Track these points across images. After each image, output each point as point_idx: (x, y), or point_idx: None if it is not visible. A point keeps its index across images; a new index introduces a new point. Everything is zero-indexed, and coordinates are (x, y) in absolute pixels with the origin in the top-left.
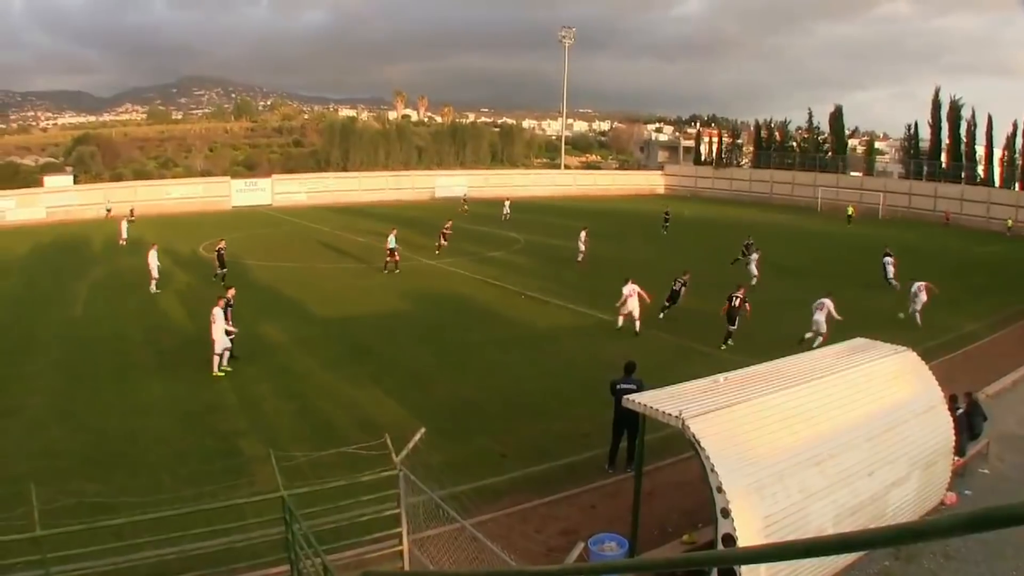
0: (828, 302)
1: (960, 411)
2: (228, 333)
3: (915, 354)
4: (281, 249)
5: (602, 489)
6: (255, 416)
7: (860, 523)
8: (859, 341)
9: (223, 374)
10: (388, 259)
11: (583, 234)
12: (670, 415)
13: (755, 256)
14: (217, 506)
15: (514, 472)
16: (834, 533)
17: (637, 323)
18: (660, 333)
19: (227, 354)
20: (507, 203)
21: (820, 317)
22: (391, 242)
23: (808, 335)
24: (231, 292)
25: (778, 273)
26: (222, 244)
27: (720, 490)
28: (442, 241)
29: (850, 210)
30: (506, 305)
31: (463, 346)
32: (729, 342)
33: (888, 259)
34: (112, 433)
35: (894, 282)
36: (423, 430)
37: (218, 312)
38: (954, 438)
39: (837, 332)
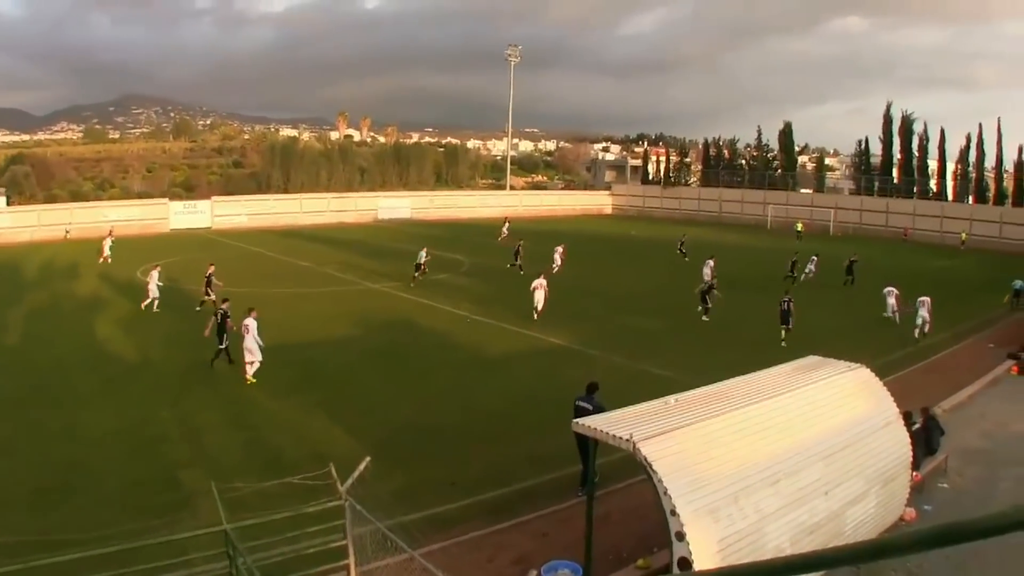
0: (928, 300)
1: (916, 426)
2: (224, 341)
3: (868, 371)
4: (222, 274)
5: (556, 515)
6: (200, 446)
7: (818, 542)
8: (811, 359)
9: (255, 380)
10: (417, 273)
11: (561, 248)
12: (621, 438)
13: (710, 263)
14: (158, 541)
15: (465, 499)
16: (793, 554)
17: (536, 313)
18: (611, 356)
19: (257, 364)
20: (507, 224)
21: (924, 311)
22: (421, 257)
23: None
24: (226, 304)
25: (730, 291)
26: (211, 269)
27: (674, 513)
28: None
29: (799, 226)
30: (454, 329)
31: (413, 372)
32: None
33: (889, 289)
34: (53, 465)
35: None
36: (368, 459)
37: (251, 322)
38: (911, 454)
39: (791, 350)
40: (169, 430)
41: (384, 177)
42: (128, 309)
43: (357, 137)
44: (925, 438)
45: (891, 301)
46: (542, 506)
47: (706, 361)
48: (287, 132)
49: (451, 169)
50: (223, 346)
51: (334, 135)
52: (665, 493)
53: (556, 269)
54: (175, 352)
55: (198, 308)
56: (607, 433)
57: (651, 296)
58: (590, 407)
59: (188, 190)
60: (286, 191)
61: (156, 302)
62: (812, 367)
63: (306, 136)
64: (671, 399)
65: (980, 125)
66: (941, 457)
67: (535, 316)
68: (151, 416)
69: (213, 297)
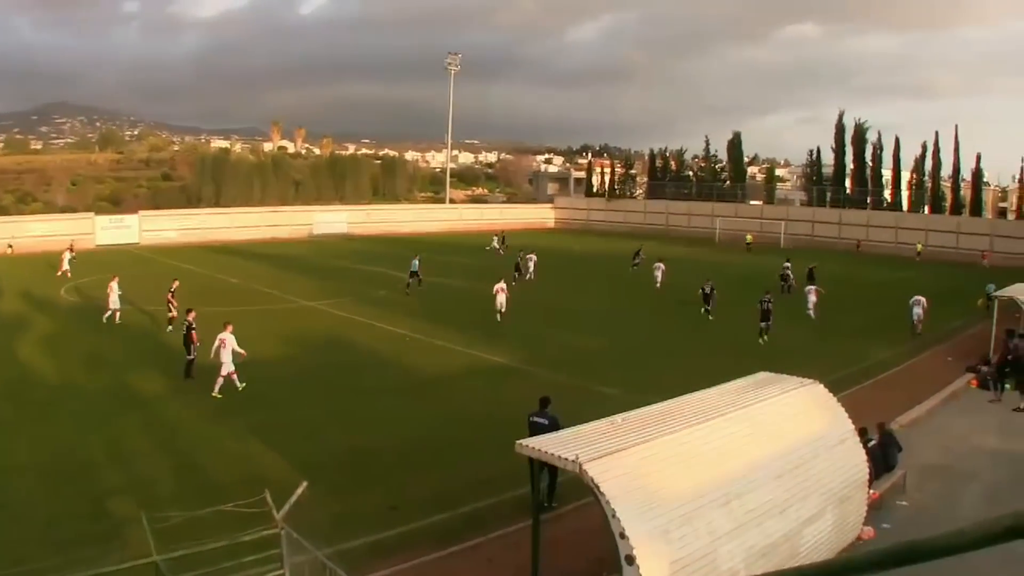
0: (922, 299)
1: (872, 443)
2: (191, 350)
3: (822, 386)
4: (152, 292)
5: (502, 539)
6: (129, 473)
7: (773, 564)
8: (762, 375)
9: (220, 396)
10: (411, 280)
11: (534, 256)
12: (566, 459)
13: (660, 266)
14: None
15: (407, 525)
16: None
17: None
18: (554, 374)
19: (235, 377)
20: (495, 237)
21: (918, 309)
22: (414, 265)
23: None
24: (192, 316)
25: (677, 307)
26: (175, 284)
27: (623, 536)
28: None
29: (748, 238)
30: (395, 348)
31: (352, 392)
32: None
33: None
34: None
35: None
36: (304, 484)
37: (228, 337)
38: (868, 471)
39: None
40: (96, 456)
41: (319, 191)
42: (51, 329)
43: (291, 149)
44: (882, 454)
45: (917, 311)
46: (487, 530)
47: (653, 379)
48: (219, 143)
49: (389, 182)
50: (191, 356)
51: (267, 147)
52: (613, 516)
53: (530, 277)
54: (102, 373)
55: (169, 328)
56: (551, 454)
57: (595, 313)
58: (545, 422)
59: (115, 204)
60: (217, 205)
61: (118, 313)
62: (763, 383)
63: (238, 148)
64: (618, 419)
65: (936, 133)
66: (899, 474)
67: (498, 318)
68: (77, 442)
69: (175, 315)
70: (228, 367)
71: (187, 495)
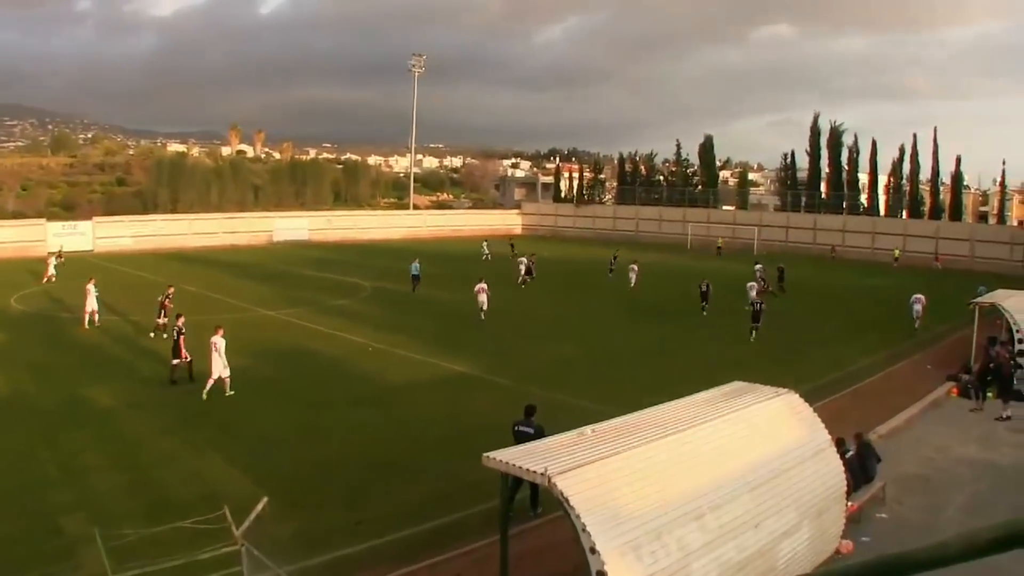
0: (922, 297)
1: (850, 454)
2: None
3: (797, 396)
4: (106, 301)
5: (470, 554)
6: (82, 490)
7: None
8: (735, 385)
9: (207, 398)
10: (415, 284)
11: (525, 259)
12: (535, 472)
13: (633, 267)
14: None
15: (371, 541)
16: None
17: (482, 313)
18: (521, 384)
19: (227, 383)
20: (485, 243)
21: (918, 307)
22: (414, 269)
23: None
24: (182, 321)
25: (652, 316)
26: (171, 291)
27: (594, 551)
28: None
29: (719, 242)
30: (356, 359)
31: (313, 404)
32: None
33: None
34: None
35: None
36: (265, 499)
37: (219, 341)
38: (846, 482)
39: (718, 376)
40: (47, 472)
41: (279, 196)
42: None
43: (250, 153)
44: (860, 465)
45: (917, 308)
46: (455, 545)
47: (624, 389)
48: (175, 147)
49: (351, 187)
50: (176, 361)
51: (226, 150)
52: (583, 530)
53: (523, 280)
54: (52, 385)
55: (152, 335)
56: (519, 467)
57: (563, 321)
58: (531, 431)
59: (67, 209)
60: (174, 211)
61: (96, 315)
62: (736, 393)
63: (196, 152)
64: (587, 430)
65: (915, 136)
66: (878, 485)
67: (481, 316)
68: (26, 457)
69: (164, 322)
70: (218, 371)
71: (143, 511)
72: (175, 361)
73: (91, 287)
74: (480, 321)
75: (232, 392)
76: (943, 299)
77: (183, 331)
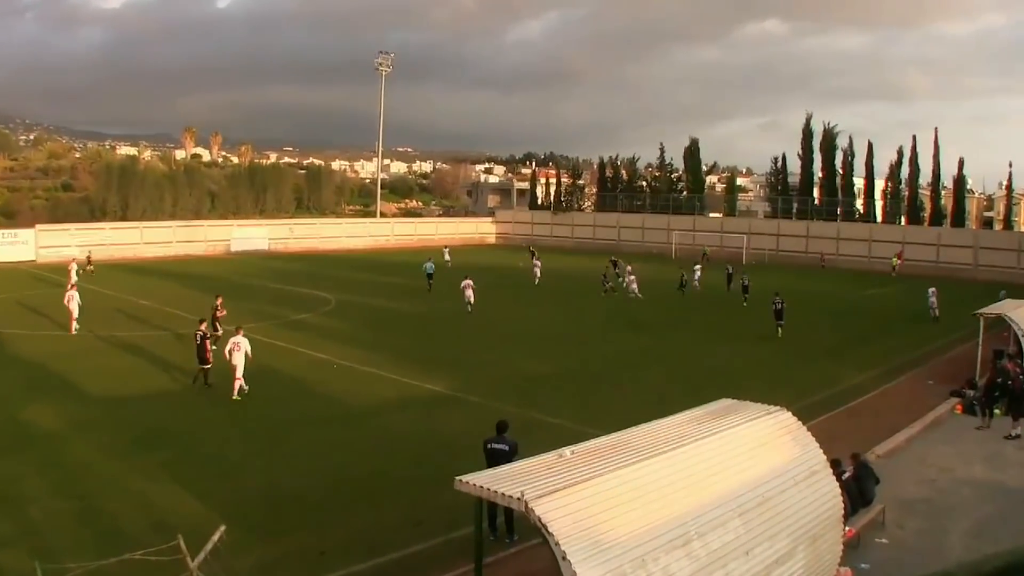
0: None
1: (847, 475)
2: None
3: (789, 414)
4: (49, 315)
5: None
6: (22, 520)
7: None
8: (724, 402)
9: (240, 398)
10: (430, 282)
11: (537, 261)
12: (511, 497)
13: (631, 275)
14: None
15: (337, 570)
16: None
17: (468, 305)
18: (496, 403)
19: (241, 382)
20: (447, 249)
21: (933, 299)
22: (429, 268)
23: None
24: (204, 326)
25: (633, 328)
26: (219, 300)
27: None
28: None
29: (706, 250)
30: (321, 377)
31: (274, 425)
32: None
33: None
34: None
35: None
36: (222, 528)
37: (243, 341)
38: (843, 506)
39: (705, 393)
40: None
41: (238, 203)
42: None
43: (207, 157)
44: (857, 488)
45: (932, 300)
46: (425, 575)
47: (605, 407)
48: (125, 150)
49: (314, 194)
50: (207, 366)
51: (180, 154)
52: (564, 558)
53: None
54: None
55: (214, 347)
56: (494, 491)
57: (541, 336)
58: (506, 448)
59: (7, 216)
60: (124, 219)
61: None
62: (725, 411)
63: (148, 155)
64: (567, 451)
65: (914, 137)
66: (877, 508)
67: (468, 309)
68: None
69: (220, 332)
70: (241, 370)
71: (89, 543)
72: (205, 366)
73: (74, 293)
74: (467, 313)
75: (239, 398)
76: (942, 309)
77: (207, 335)
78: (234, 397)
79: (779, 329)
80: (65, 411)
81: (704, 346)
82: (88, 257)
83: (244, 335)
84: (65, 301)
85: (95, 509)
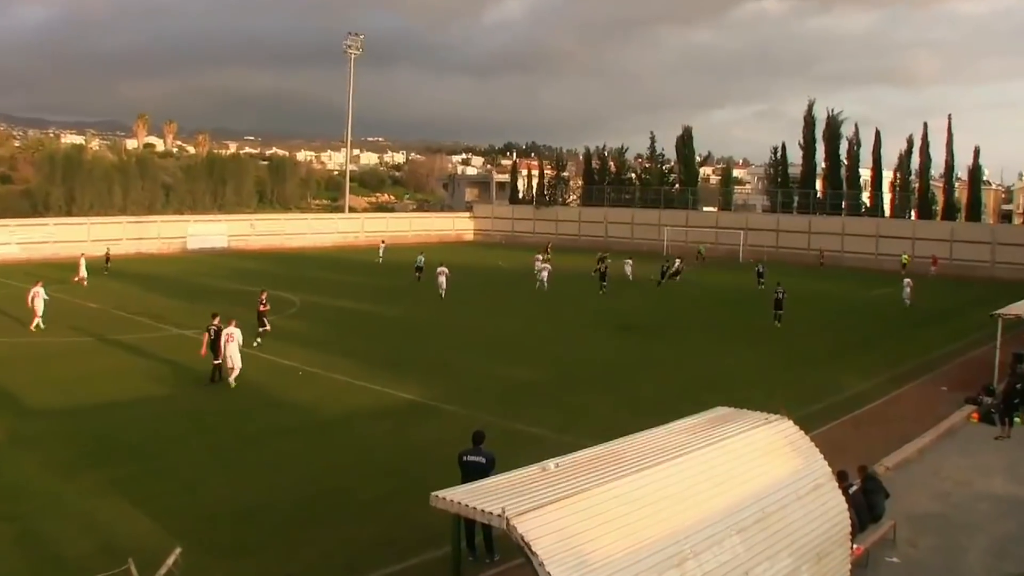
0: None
1: (854, 489)
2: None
3: (791, 422)
4: None
5: None
6: None
7: None
8: (720, 411)
9: (236, 385)
10: (417, 274)
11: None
12: (491, 513)
13: (629, 262)
14: None
15: None
16: None
17: (441, 291)
18: (475, 412)
19: (238, 370)
20: (383, 245)
21: (908, 290)
22: (419, 261)
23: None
24: (217, 320)
25: (622, 330)
26: (264, 295)
27: None
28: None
29: (701, 248)
30: (285, 384)
31: (235, 437)
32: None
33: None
34: None
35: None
36: (178, 550)
37: (236, 332)
38: (850, 522)
39: (699, 400)
40: None
41: (194, 197)
42: None
43: (160, 147)
44: (866, 502)
45: (907, 291)
46: None
47: (592, 416)
48: (71, 139)
49: (277, 187)
50: (219, 361)
51: (131, 144)
52: None
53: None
54: None
55: (256, 344)
56: (474, 508)
57: (523, 340)
58: (483, 460)
59: None
60: (69, 214)
61: (40, 320)
62: (721, 420)
63: (95, 145)
64: (551, 464)
65: (925, 125)
66: (887, 525)
67: (441, 294)
68: None
69: (268, 328)
70: (236, 361)
71: (27, 570)
72: (218, 361)
73: (40, 290)
74: (440, 300)
75: (236, 384)
76: (956, 310)
77: (222, 329)
78: (230, 382)
79: (778, 319)
80: (4, 425)
81: (697, 349)
82: (107, 254)
83: (236, 326)
84: (29, 299)
85: (33, 532)
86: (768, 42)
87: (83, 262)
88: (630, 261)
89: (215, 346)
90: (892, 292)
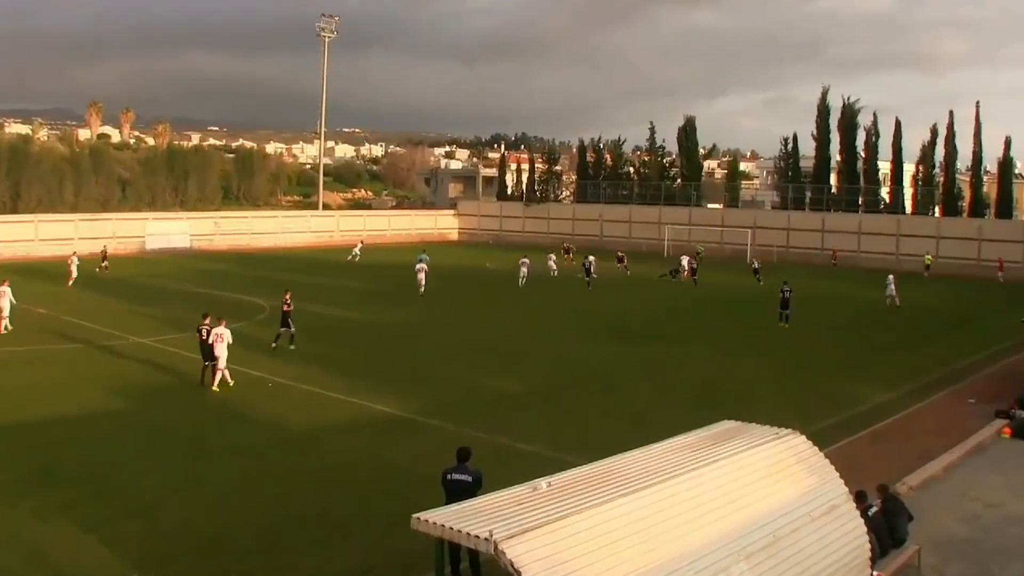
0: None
1: (873, 510)
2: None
3: (803, 438)
4: None
5: None
6: None
7: None
8: (726, 424)
9: (219, 390)
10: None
11: (554, 256)
12: (478, 537)
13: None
14: None
15: None
16: None
17: (421, 287)
18: (459, 427)
19: (226, 373)
20: (359, 247)
21: (891, 288)
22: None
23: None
24: (208, 320)
25: (619, 337)
26: (288, 295)
27: None
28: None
29: (700, 248)
30: (253, 397)
31: (197, 455)
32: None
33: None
34: None
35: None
36: None
37: (226, 332)
38: (869, 546)
39: (703, 414)
40: None
41: (154, 192)
42: None
43: (116, 137)
44: (887, 525)
45: (891, 288)
46: None
47: (586, 431)
48: (16, 128)
49: (244, 182)
50: (208, 364)
51: (84, 134)
52: None
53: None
54: None
55: (273, 345)
56: (459, 531)
57: (512, 349)
58: (469, 479)
59: None
60: (15, 211)
61: (6, 322)
62: (728, 435)
63: (43, 134)
64: (542, 483)
65: (951, 114)
66: (911, 550)
67: (420, 291)
68: None
69: (293, 329)
70: (221, 362)
71: None
72: (207, 363)
73: (5, 289)
74: (420, 296)
75: (218, 390)
76: (984, 314)
77: (211, 330)
78: (214, 388)
79: (785, 319)
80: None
81: (699, 357)
82: (103, 252)
83: (226, 326)
84: None
85: None
86: (776, 23)
87: (75, 261)
88: (553, 256)
89: (205, 347)
90: (916, 296)
